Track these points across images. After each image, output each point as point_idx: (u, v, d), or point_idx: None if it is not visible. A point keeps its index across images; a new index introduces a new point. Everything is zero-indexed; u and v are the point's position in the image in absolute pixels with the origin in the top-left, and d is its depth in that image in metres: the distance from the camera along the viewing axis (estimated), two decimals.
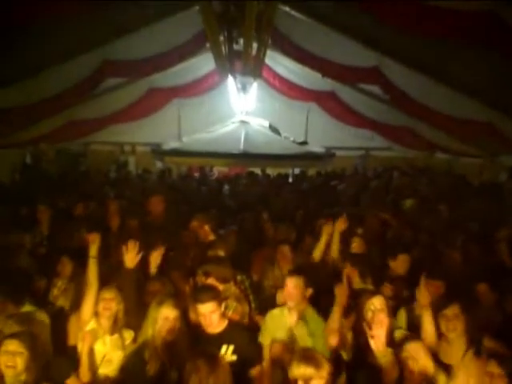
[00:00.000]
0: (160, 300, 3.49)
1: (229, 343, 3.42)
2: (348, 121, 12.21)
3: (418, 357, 3.00)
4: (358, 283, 4.19)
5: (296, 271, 3.91)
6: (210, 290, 3.63)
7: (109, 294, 3.74)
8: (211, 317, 3.42)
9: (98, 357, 3.59)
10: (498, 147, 9.75)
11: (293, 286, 3.70)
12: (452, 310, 3.34)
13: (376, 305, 3.43)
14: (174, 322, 3.34)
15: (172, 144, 12.08)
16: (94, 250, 3.90)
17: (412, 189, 9.18)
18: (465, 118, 8.60)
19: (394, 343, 3.25)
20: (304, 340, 3.58)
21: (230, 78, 11.33)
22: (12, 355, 3.00)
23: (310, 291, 3.76)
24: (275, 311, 3.88)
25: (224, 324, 3.53)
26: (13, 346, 3.03)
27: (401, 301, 3.98)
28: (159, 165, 13.22)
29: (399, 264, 4.56)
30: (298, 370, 2.72)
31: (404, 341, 3.17)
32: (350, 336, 3.53)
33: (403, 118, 10.40)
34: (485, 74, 7.28)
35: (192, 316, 3.64)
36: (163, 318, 3.33)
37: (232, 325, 3.60)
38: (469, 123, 8.63)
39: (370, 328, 3.17)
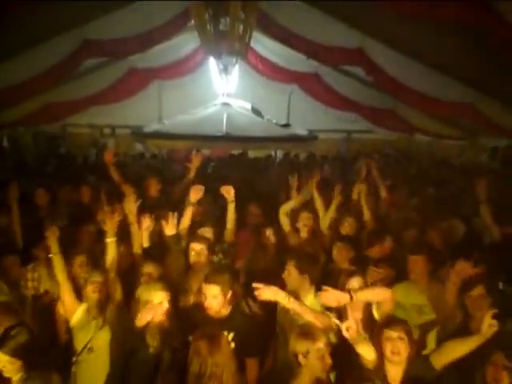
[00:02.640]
0: (150, 284, 3.51)
1: (230, 330, 3.37)
2: (330, 103, 12.18)
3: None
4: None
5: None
6: (221, 272, 3.60)
7: (97, 277, 3.71)
8: (212, 300, 3.39)
9: (81, 345, 3.57)
10: (479, 128, 9.89)
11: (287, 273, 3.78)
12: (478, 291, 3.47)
13: (354, 285, 3.48)
14: (165, 305, 3.33)
15: (153, 126, 11.90)
16: (54, 247, 3.76)
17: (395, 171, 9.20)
18: (447, 99, 8.67)
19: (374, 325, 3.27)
20: None
21: (212, 60, 11.17)
22: None
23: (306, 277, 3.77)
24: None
25: (227, 310, 3.49)
26: None
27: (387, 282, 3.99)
28: (139, 148, 13.04)
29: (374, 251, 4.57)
30: (296, 345, 2.95)
31: (386, 323, 3.15)
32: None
33: (386, 100, 10.44)
34: (467, 56, 7.34)
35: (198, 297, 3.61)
36: (155, 301, 3.31)
37: (235, 311, 3.56)
38: (451, 104, 8.71)
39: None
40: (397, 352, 2.98)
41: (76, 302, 3.70)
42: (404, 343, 3.00)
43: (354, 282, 3.51)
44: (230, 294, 3.45)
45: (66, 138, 13.99)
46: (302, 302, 3.45)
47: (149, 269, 3.95)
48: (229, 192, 4.69)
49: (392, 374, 2.99)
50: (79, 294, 3.79)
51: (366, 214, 5.28)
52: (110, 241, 3.94)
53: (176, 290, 3.72)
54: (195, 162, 6.00)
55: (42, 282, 4.45)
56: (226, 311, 3.46)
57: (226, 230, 4.70)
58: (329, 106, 12.30)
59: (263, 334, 3.68)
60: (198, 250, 4.12)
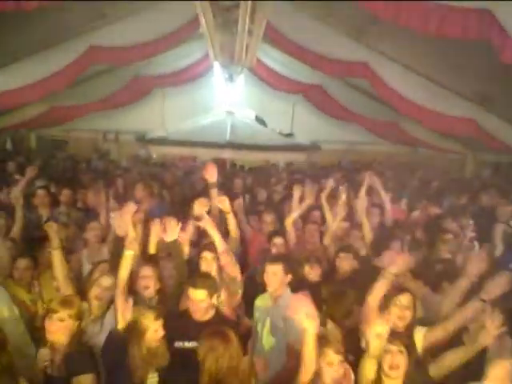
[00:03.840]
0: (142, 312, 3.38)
1: None
2: (334, 114, 12.25)
3: None
4: None
5: (275, 259, 3.99)
6: (207, 277, 3.66)
7: (106, 282, 3.73)
8: (199, 304, 3.44)
9: None
10: (481, 144, 9.93)
11: (272, 273, 3.80)
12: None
13: None
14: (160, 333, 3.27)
15: (157, 133, 11.94)
16: (54, 242, 3.78)
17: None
18: (449, 114, 8.72)
19: None
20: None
21: (217, 68, 11.23)
22: None
23: (289, 277, 3.85)
24: (263, 296, 4.01)
25: (211, 314, 3.54)
26: None
27: None
28: (142, 153, 13.07)
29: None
30: None
31: None
32: None
33: (389, 113, 10.49)
34: (471, 72, 7.40)
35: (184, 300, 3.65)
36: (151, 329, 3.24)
37: (219, 316, 3.61)
38: (453, 120, 8.76)
39: None
40: (395, 366, 2.98)
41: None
42: (403, 357, 3.01)
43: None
44: (214, 298, 3.52)
45: (70, 142, 14.03)
46: None
47: (145, 272, 3.92)
48: (223, 202, 4.65)
49: None
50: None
51: (365, 225, 5.29)
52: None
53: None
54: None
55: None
56: (208, 316, 3.51)
57: (230, 239, 4.72)
58: (333, 116, 12.36)
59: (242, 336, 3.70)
60: (209, 259, 4.14)
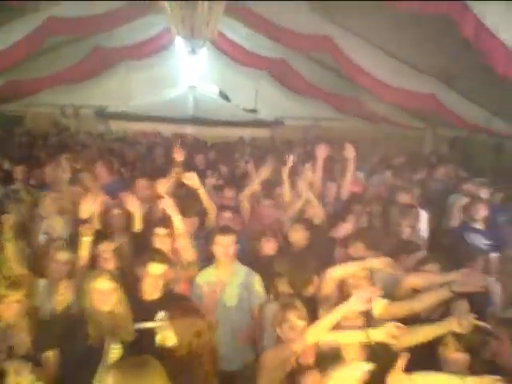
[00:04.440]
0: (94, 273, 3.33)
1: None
2: (298, 89, 12.23)
3: None
4: None
5: (226, 230, 3.99)
6: (164, 252, 3.64)
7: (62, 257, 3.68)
8: (156, 280, 3.38)
9: None
10: (440, 119, 10.13)
11: (223, 244, 3.83)
12: None
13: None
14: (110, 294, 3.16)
15: (118, 107, 11.69)
16: (8, 234, 3.67)
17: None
18: (410, 89, 8.85)
19: None
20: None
21: (180, 41, 11.01)
22: None
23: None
24: (207, 271, 3.97)
25: (161, 292, 3.47)
26: None
27: None
28: (102, 129, 12.77)
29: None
30: None
31: None
32: None
33: (352, 88, 10.54)
34: (431, 48, 7.50)
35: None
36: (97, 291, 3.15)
37: (171, 293, 3.57)
38: (413, 95, 8.90)
39: None
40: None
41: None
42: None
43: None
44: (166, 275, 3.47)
45: (28, 118, 13.56)
46: None
47: (104, 247, 3.85)
48: (192, 179, 4.58)
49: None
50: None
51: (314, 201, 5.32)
52: None
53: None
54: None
55: None
56: (158, 294, 3.45)
57: (208, 217, 4.68)
58: (296, 92, 12.33)
59: None
60: (162, 235, 4.06)
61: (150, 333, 3.06)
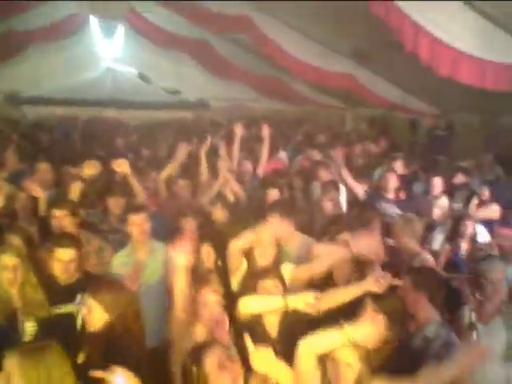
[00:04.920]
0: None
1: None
2: (220, 71, 12.16)
3: None
4: None
5: (137, 209, 4.02)
6: (71, 236, 3.53)
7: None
8: (69, 265, 3.30)
9: None
10: (359, 100, 10.48)
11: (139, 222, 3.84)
12: None
13: None
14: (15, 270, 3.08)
15: (31, 91, 11.07)
16: None
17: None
18: (328, 69, 9.08)
19: None
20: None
21: (93, 22, 10.59)
22: None
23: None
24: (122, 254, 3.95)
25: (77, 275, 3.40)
26: None
27: None
28: (16, 115, 12.06)
29: None
30: None
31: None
32: None
33: (274, 69, 10.64)
34: (346, 28, 7.70)
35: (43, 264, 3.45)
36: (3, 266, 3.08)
37: (87, 275, 3.49)
38: (332, 75, 9.14)
39: None
40: None
41: None
42: (279, 290, 3.12)
43: None
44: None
45: None
46: None
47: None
48: (122, 166, 4.58)
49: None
50: None
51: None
52: None
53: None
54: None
55: None
56: (74, 277, 3.38)
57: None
58: (218, 74, 12.26)
59: None
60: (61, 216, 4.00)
61: (71, 317, 3.01)
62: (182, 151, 5.50)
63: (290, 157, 7.83)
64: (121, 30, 10.65)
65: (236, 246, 3.44)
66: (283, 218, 3.74)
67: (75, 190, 4.38)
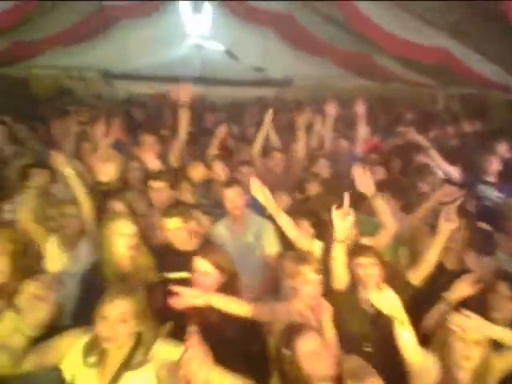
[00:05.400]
0: (113, 216, 3.37)
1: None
2: (306, 47, 11.90)
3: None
4: None
5: (231, 183, 4.09)
6: (178, 205, 3.63)
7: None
8: (177, 233, 3.39)
9: None
10: (451, 78, 9.90)
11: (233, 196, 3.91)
12: None
13: None
14: (131, 238, 3.19)
15: (122, 68, 11.44)
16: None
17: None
18: (424, 43, 8.61)
19: None
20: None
21: None
22: None
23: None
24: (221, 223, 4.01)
25: (195, 242, 3.46)
26: None
27: None
28: (108, 91, 12.56)
29: None
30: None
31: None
32: None
33: (362, 45, 10.27)
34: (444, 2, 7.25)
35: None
36: (118, 233, 3.17)
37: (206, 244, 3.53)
38: (428, 49, 8.66)
39: None
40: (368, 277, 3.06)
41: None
42: (377, 268, 3.06)
43: None
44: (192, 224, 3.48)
45: (31, 81, 13.35)
46: None
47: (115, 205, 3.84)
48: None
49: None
50: None
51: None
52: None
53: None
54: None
55: None
56: (194, 243, 3.45)
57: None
58: (304, 49, 12.02)
59: None
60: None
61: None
62: (268, 120, 5.42)
63: (382, 136, 7.55)
64: (208, 5, 10.66)
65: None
66: (390, 197, 3.64)
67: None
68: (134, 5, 11.03)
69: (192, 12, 10.86)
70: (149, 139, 5.24)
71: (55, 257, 3.58)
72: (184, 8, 11.40)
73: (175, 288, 2.54)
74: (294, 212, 3.79)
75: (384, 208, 3.46)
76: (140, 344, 2.25)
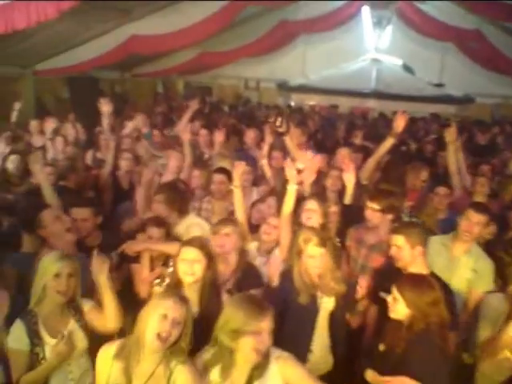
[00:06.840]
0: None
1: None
2: (491, 64, 11.16)
3: None
4: None
5: None
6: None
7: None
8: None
9: None
10: None
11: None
12: None
13: None
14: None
15: (299, 80, 11.85)
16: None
17: None
18: None
19: None
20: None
21: (366, 12, 10.72)
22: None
23: None
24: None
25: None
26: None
27: None
28: (282, 101, 13.12)
29: None
30: None
31: None
32: None
33: None
34: None
35: None
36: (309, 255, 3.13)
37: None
38: None
39: None
40: None
41: None
42: None
43: None
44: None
45: (214, 89, 14.51)
46: None
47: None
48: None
49: None
50: None
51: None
52: None
53: None
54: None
55: None
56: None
57: None
58: (488, 66, 11.28)
59: None
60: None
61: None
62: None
63: None
64: (390, 20, 10.56)
65: None
66: None
67: None
68: (317, 20, 11.41)
69: (373, 26, 10.85)
70: (344, 151, 5.24)
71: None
72: (367, 23, 11.44)
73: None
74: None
75: None
76: None
